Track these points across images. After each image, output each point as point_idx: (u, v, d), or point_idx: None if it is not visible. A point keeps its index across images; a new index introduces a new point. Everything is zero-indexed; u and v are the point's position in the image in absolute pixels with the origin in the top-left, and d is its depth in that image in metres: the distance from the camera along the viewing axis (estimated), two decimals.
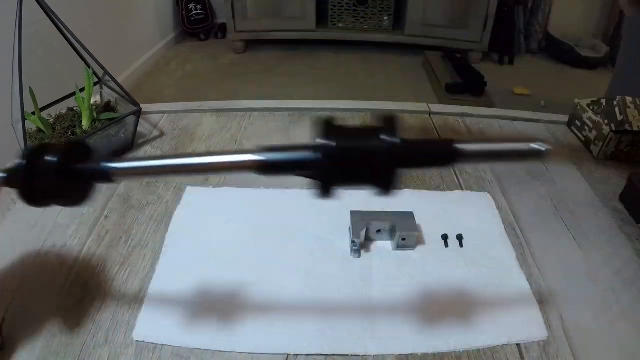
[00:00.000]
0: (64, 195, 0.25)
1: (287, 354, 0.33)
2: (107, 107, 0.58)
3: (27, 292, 0.38)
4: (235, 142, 0.59)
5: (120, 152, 0.56)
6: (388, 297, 0.38)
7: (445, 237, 0.43)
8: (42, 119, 0.52)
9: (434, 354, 0.33)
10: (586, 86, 2.32)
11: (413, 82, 2.32)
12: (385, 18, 2.53)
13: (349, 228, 0.43)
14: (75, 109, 0.56)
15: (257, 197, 0.49)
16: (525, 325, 0.35)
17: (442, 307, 0.37)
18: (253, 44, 2.71)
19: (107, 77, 0.57)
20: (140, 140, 0.60)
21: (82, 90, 0.54)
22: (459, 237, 0.43)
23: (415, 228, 0.41)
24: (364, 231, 0.41)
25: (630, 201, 0.48)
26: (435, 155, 0.25)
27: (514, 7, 2.52)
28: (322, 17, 2.59)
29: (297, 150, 0.25)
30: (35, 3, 0.48)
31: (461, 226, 0.45)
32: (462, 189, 0.51)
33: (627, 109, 0.53)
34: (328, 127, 0.24)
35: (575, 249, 0.43)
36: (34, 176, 0.25)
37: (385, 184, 0.24)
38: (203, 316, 0.36)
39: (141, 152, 0.57)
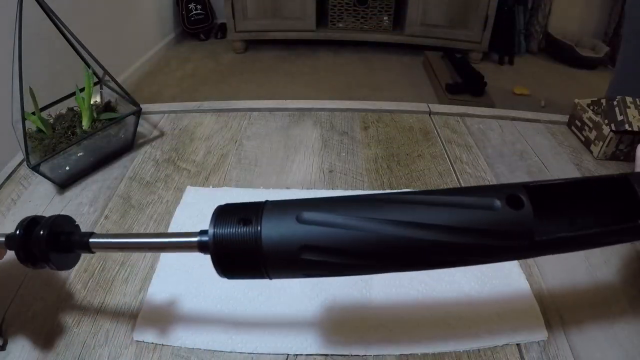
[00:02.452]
0: (52, 260, 0.27)
1: (287, 354, 0.33)
2: (107, 107, 0.58)
3: (27, 292, 0.38)
4: (236, 142, 0.59)
5: (121, 152, 0.56)
6: (388, 297, 0.38)
7: None
8: (42, 119, 0.52)
9: (434, 354, 0.33)
10: (586, 86, 2.32)
11: (413, 82, 2.32)
12: (385, 18, 2.53)
13: None
14: (75, 109, 0.56)
15: (257, 197, 0.48)
16: (525, 325, 0.35)
17: (442, 307, 0.37)
18: (253, 44, 2.71)
19: (107, 77, 0.57)
20: (140, 140, 0.60)
21: (82, 90, 0.54)
22: None
23: None
24: None
25: None
26: None
27: (514, 7, 2.51)
28: (322, 17, 2.59)
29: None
30: (35, 3, 0.48)
31: None
32: None
33: (627, 109, 0.53)
34: None
35: None
36: (28, 243, 0.27)
37: None
38: (203, 316, 0.36)
39: (141, 152, 0.57)
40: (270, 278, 0.23)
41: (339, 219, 0.21)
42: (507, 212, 0.20)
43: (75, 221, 0.30)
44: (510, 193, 0.21)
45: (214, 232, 0.22)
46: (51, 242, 0.27)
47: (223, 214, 0.23)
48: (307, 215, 0.21)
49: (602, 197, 0.23)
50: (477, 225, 0.20)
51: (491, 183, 0.52)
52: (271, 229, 0.21)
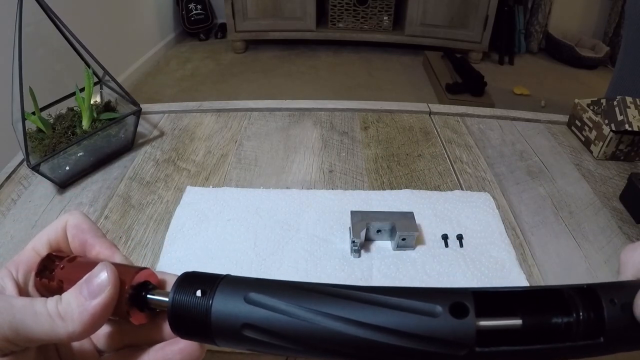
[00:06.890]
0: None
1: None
2: (107, 107, 0.58)
3: None
4: (236, 142, 0.59)
5: (121, 152, 0.56)
6: None
7: (445, 237, 0.43)
8: (42, 119, 0.52)
9: None
10: (586, 86, 2.33)
11: (413, 82, 2.33)
12: (385, 18, 2.53)
13: (349, 228, 0.43)
14: (75, 109, 0.56)
15: (257, 197, 0.49)
16: None
17: None
18: (253, 44, 2.71)
19: (107, 77, 0.57)
20: (140, 140, 0.60)
21: (82, 90, 0.54)
22: (459, 237, 0.43)
23: (415, 228, 0.41)
24: (364, 231, 0.41)
25: (630, 201, 0.48)
26: None
27: (514, 7, 2.52)
28: (322, 17, 2.59)
29: None
30: (35, 3, 0.48)
31: (461, 226, 0.45)
32: (462, 189, 0.51)
33: (627, 109, 0.53)
34: None
35: (575, 249, 0.43)
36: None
37: None
38: None
39: (141, 152, 0.57)
40: (218, 345, 0.24)
41: (283, 305, 0.22)
42: (449, 320, 0.20)
43: None
44: (455, 300, 0.20)
45: (173, 297, 0.24)
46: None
47: (185, 281, 0.24)
48: (254, 296, 0.23)
49: (563, 307, 0.21)
50: (415, 330, 0.20)
51: (491, 183, 0.52)
52: (220, 305, 0.23)
